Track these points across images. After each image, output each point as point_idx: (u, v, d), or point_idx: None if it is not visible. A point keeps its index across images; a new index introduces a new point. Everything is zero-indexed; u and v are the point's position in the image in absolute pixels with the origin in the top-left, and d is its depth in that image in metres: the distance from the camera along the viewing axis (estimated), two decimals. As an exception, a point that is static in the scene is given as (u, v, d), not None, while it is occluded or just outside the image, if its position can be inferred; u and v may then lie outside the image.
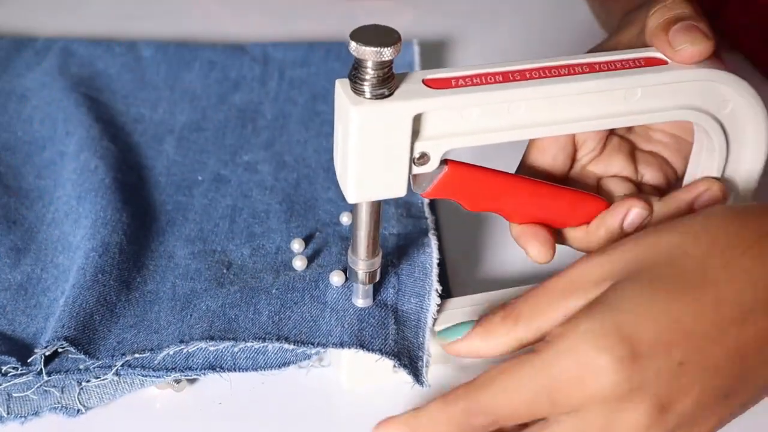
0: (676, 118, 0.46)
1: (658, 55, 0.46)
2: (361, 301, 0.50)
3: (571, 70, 0.44)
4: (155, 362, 0.48)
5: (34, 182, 0.62)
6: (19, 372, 0.48)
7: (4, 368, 0.48)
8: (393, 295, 0.50)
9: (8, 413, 0.48)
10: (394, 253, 0.53)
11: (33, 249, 0.57)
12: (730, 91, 0.46)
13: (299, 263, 0.54)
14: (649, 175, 0.53)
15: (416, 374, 0.47)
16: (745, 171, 0.49)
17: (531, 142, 0.50)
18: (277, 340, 0.48)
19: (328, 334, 0.48)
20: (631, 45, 0.49)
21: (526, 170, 0.50)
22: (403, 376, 0.48)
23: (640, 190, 0.52)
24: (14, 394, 0.48)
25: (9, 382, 0.48)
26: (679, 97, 0.46)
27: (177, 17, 0.84)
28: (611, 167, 0.52)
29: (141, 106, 0.70)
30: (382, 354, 0.47)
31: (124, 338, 0.50)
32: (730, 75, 0.46)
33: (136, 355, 0.48)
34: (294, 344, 0.48)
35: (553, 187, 0.48)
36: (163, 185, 0.62)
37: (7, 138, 0.66)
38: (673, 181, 0.53)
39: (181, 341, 0.49)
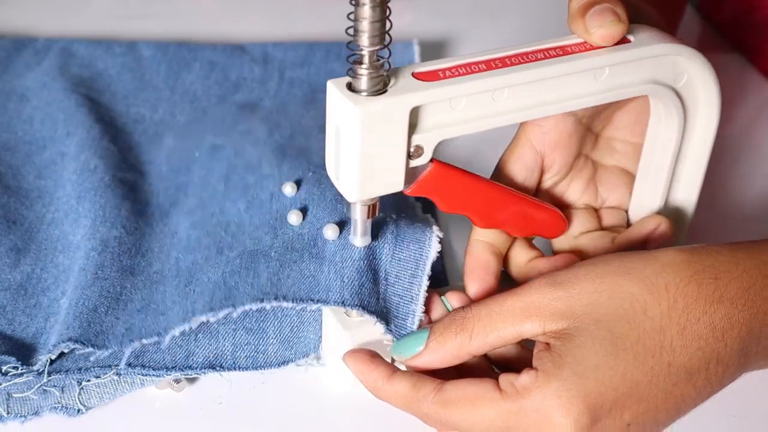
0: (639, 93, 0.48)
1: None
2: (359, 240, 0.48)
3: (546, 54, 0.45)
4: (172, 362, 0.48)
5: (34, 182, 0.62)
6: (19, 371, 0.48)
7: (4, 368, 0.48)
8: (391, 241, 0.49)
9: (8, 413, 0.48)
10: (392, 211, 0.52)
11: (33, 249, 0.57)
12: (687, 63, 0.49)
13: (294, 218, 0.52)
14: (614, 197, 0.54)
15: (401, 333, 0.47)
16: (699, 137, 0.52)
17: (499, 166, 0.51)
18: (275, 299, 0.46)
19: (327, 289, 0.47)
20: None
21: None
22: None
23: (600, 218, 0.54)
24: (14, 395, 0.48)
25: (9, 381, 0.48)
26: (642, 72, 0.48)
27: (177, 17, 0.84)
28: (572, 192, 0.53)
29: (141, 106, 0.70)
30: (375, 316, 0.46)
31: (132, 324, 0.50)
32: (687, 48, 0.48)
33: (144, 341, 0.48)
34: (293, 302, 0.46)
35: (523, 198, 0.49)
36: (164, 173, 0.63)
37: (7, 138, 0.66)
38: None
39: (185, 320, 0.47)
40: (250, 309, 0.47)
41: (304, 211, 0.53)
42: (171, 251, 0.55)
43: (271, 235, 0.52)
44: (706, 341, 0.42)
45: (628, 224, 0.54)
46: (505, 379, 0.42)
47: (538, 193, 0.52)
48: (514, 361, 0.47)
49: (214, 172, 0.60)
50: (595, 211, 0.54)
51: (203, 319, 0.47)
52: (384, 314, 0.47)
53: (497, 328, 0.44)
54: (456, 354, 0.45)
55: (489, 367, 0.48)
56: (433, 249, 0.49)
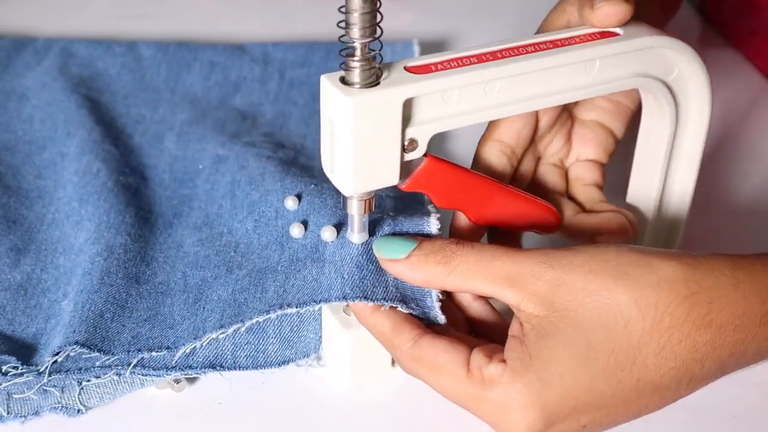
0: (630, 86, 0.49)
1: (611, 28, 0.48)
2: (356, 237, 0.48)
3: (537, 47, 0.46)
4: (172, 363, 0.48)
5: (33, 182, 0.62)
6: (19, 371, 0.48)
7: (4, 368, 0.48)
8: (389, 234, 0.49)
9: (8, 413, 0.48)
10: (392, 210, 0.52)
11: (33, 249, 0.57)
12: (676, 56, 0.49)
13: (297, 231, 0.52)
14: (587, 152, 0.55)
15: (426, 312, 0.47)
16: (692, 131, 0.52)
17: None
18: (280, 308, 0.48)
19: (329, 288, 0.47)
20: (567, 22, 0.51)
21: (490, 145, 0.51)
22: (403, 373, 0.48)
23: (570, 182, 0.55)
24: (14, 395, 0.48)
25: (9, 381, 0.48)
26: (632, 65, 0.48)
27: (177, 17, 0.84)
28: (552, 147, 0.54)
29: (141, 106, 0.70)
30: (386, 301, 0.46)
31: (139, 333, 0.50)
32: (676, 41, 0.48)
33: (153, 354, 0.48)
34: (296, 307, 0.47)
35: (517, 193, 0.50)
36: (167, 182, 0.62)
37: (7, 138, 0.66)
38: (612, 148, 0.56)
39: (195, 338, 0.49)
40: (257, 321, 0.48)
41: (305, 223, 0.53)
42: (176, 264, 0.55)
43: (279, 252, 0.53)
44: (683, 362, 0.41)
45: (604, 180, 0.55)
46: (475, 360, 0.42)
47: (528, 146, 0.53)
48: (491, 327, 0.47)
49: (219, 188, 0.60)
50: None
51: (213, 336, 0.48)
52: (399, 298, 0.47)
53: (477, 278, 0.44)
54: (428, 281, 0.45)
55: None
56: (434, 226, 0.49)
